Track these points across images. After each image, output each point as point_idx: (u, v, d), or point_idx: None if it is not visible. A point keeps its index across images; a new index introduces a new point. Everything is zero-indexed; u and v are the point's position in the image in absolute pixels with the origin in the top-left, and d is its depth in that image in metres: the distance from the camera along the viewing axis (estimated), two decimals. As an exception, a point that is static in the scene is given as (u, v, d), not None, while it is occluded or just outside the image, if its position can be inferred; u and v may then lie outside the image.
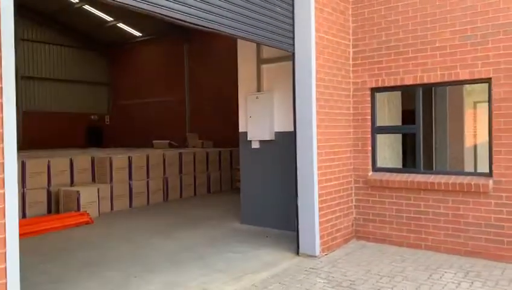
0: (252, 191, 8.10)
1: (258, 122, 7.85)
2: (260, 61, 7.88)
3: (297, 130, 6.07)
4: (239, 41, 8.06)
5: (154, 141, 17.46)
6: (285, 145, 7.34)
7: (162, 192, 11.66)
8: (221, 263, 5.86)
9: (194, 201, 11.69)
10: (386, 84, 6.67)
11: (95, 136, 23.13)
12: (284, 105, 7.46)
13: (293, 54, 6.07)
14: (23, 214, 9.33)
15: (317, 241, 6.01)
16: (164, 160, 11.81)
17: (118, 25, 20.88)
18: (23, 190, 9.39)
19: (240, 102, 8.25)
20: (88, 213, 9.07)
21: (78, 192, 9.30)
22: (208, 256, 6.21)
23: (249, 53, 7.97)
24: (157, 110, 21.53)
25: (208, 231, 7.87)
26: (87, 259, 6.25)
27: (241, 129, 8.24)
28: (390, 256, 6.04)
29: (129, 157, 10.93)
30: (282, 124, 7.60)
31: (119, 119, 23.47)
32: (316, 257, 5.96)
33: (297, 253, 6.10)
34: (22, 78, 20.19)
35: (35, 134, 20.45)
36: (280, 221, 7.56)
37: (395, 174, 6.66)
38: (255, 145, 8.01)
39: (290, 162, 6.53)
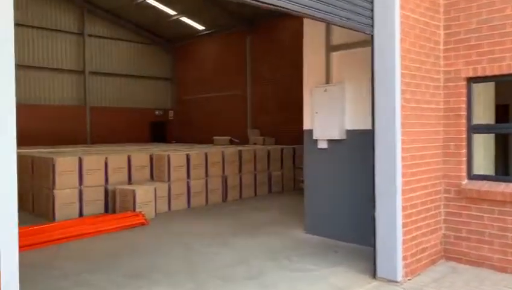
0: (318, 196, 7.15)
1: (325, 118, 6.88)
2: (330, 48, 6.89)
3: (376, 128, 5.04)
4: (305, 26, 7.13)
5: (214, 137, 16.99)
6: (358, 145, 6.32)
7: (221, 191, 11.03)
8: (282, 284, 5.00)
9: (253, 202, 10.94)
10: (488, 73, 5.42)
11: (158, 131, 23.22)
12: (358, 98, 6.44)
13: (372, 36, 5.04)
14: (80, 212, 9.10)
15: (399, 262, 4.96)
16: (223, 157, 11.17)
17: (181, 18, 20.65)
18: (80, 188, 9.14)
19: (304, 96, 7.30)
20: (143, 214, 8.61)
21: (133, 191, 8.87)
22: (267, 273, 5.38)
23: (317, 39, 7.00)
24: (218, 105, 21.12)
25: (268, 239, 7.04)
26: (135, 269, 5.67)
27: (305, 127, 7.29)
28: (493, 286, 4.85)
29: (187, 154, 10.39)
30: (355, 121, 6.58)
31: (182, 115, 23.38)
32: (397, 282, 4.92)
33: (374, 276, 5.09)
34: (89, 73, 20.61)
35: (101, 129, 20.83)
36: (352, 233, 6.55)
37: (496, 183, 5.41)
38: (322, 145, 7.04)
39: (364, 165, 5.53)
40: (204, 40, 21.91)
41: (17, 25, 18.69)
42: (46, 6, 19.28)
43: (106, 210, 9.44)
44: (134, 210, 8.77)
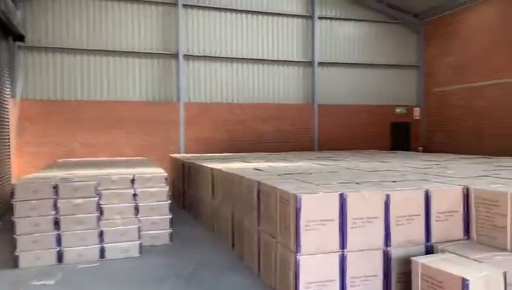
0: None
1: None
2: None
3: None
4: None
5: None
6: None
7: None
8: None
9: None
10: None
11: (400, 135, 17.98)
12: None
13: None
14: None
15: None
16: None
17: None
18: (342, 252, 4.77)
19: None
20: None
21: (455, 278, 3.97)
22: None
23: None
24: (492, 98, 14.79)
25: None
26: None
27: None
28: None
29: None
30: None
31: (435, 112, 17.63)
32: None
33: None
34: (318, 64, 16.84)
35: (330, 132, 16.89)
36: None
37: None
38: None
39: None
40: (468, 11, 15.80)
41: (225, 9, 16.21)
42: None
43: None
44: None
